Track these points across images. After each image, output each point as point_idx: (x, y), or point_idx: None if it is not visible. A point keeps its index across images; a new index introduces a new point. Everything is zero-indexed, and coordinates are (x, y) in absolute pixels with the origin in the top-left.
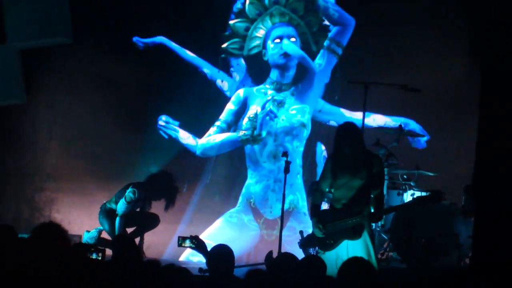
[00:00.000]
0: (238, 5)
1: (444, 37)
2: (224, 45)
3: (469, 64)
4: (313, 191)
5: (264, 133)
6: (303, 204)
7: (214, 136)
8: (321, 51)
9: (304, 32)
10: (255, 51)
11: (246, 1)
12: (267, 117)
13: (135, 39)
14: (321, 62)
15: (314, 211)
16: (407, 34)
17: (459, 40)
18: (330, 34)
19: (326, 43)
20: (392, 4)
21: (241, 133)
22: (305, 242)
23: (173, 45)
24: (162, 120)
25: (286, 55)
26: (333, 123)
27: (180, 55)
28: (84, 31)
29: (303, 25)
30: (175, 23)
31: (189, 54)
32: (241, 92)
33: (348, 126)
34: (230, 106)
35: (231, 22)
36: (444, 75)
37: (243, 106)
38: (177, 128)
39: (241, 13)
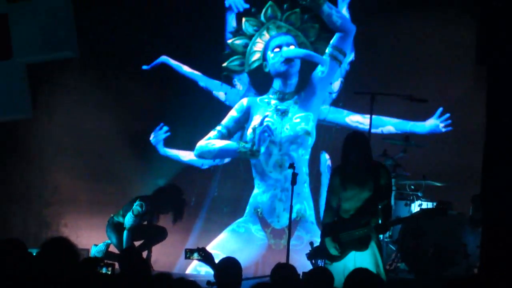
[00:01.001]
0: (233, 24)
1: (451, 45)
2: (224, 64)
3: (476, 73)
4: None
5: (263, 149)
6: (311, 213)
7: (214, 141)
8: (326, 54)
9: (303, 42)
10: (255, 64)
11: (242, 19)
12: (266, 134)
13: (143, 67)
14: (323, 69)
15: (327, 230)
16: (413, 40)
17: (466, 48)
18: (332, 41)
19: (328, 50)
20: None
21: (241, 144)
22: (313, 253)
23: (172, 63)
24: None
25: (287, 61)
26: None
27: (179, 72)
28: (91, 46)
29: (301, 36)
30: (178, 38)
31: (186, 70)
32: (244, 101)
33: (356, 136)
34: (233, 113)
35: (229, 41)
36: (451, 84)
37: (245, 115)
38: (166, 133)
39: (238, 31)
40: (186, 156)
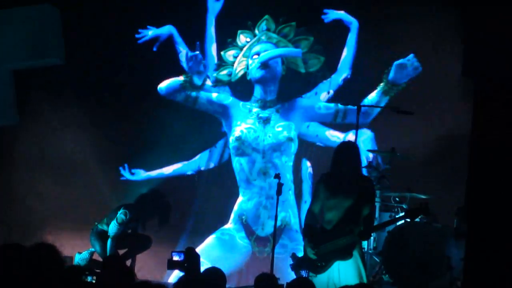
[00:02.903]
0: (212, 32)
1: (437, 57)
2: (214, 74)
3: (462, 86)
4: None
5: (196, 80)
6: (295, 221)
7: (172, 79)
8: (335, 105)
9: None
10: (241, 73)
11: (237, 32)
12: (198, 65)
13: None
14: (321, 106)
15: (307, 231)
16: (399, 51)
17: (452, 61)
18: (348, 107)
19: (339, 106)
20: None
21: (181, 78)
22: (297, 264)
23: (178, 46)
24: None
25: (263, 66)
26: (319, 144)
27: (179, 57)
28: (77, 52)
29: (291, 46)
30: (166, 48)
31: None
32: (230, 98)
33: (349, 145)
34: (213, 95)
35: (222, 52)
36: (438, 96)
37: (221, 108)
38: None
39: (232, 42)
40: (169, 169)
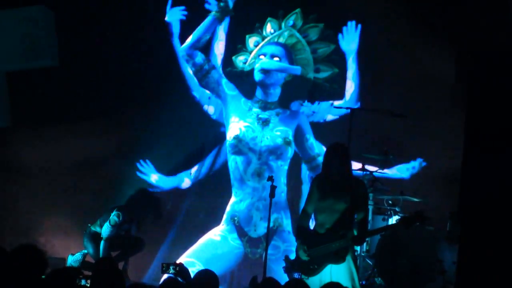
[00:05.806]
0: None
1: (431, 62)
2: (234, 56)
3: (456, 88)
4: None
5: (230, 2)
6: (287, 223)
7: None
8: (317, 153)
9: (305, 57)
10: (253, 65)
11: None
12: None
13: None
14: (310, 141)
15: (299, 232)
16: (394, 58)
17: (446, 65)
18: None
19: (314, 164)
20: (382, 27)
21: (213, 12)
22: (290, 266)
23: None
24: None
25: (263, 71)
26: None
27: (181, 67)
28: (71, 54)
29: (307, 51)
30: (166, 52)
31: (187, 71)
32: (235, 91)
33: (338, 147)
34: (223, 80)
35: (247, 35)
36: (431, 99)
37: (223, 93)
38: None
39: (258, 29)
40: (185, 183)
